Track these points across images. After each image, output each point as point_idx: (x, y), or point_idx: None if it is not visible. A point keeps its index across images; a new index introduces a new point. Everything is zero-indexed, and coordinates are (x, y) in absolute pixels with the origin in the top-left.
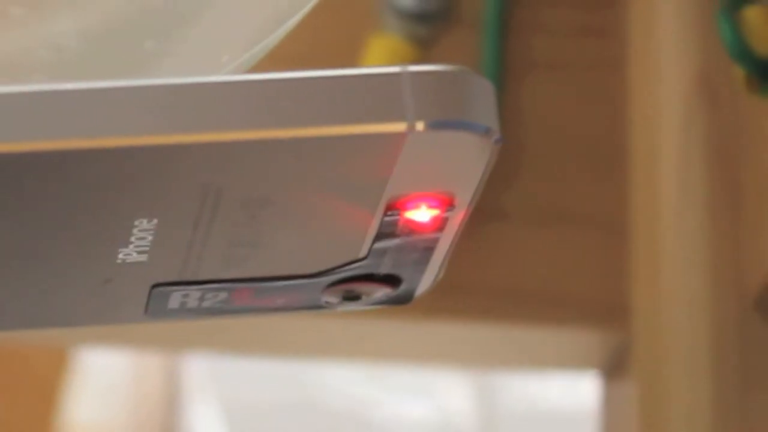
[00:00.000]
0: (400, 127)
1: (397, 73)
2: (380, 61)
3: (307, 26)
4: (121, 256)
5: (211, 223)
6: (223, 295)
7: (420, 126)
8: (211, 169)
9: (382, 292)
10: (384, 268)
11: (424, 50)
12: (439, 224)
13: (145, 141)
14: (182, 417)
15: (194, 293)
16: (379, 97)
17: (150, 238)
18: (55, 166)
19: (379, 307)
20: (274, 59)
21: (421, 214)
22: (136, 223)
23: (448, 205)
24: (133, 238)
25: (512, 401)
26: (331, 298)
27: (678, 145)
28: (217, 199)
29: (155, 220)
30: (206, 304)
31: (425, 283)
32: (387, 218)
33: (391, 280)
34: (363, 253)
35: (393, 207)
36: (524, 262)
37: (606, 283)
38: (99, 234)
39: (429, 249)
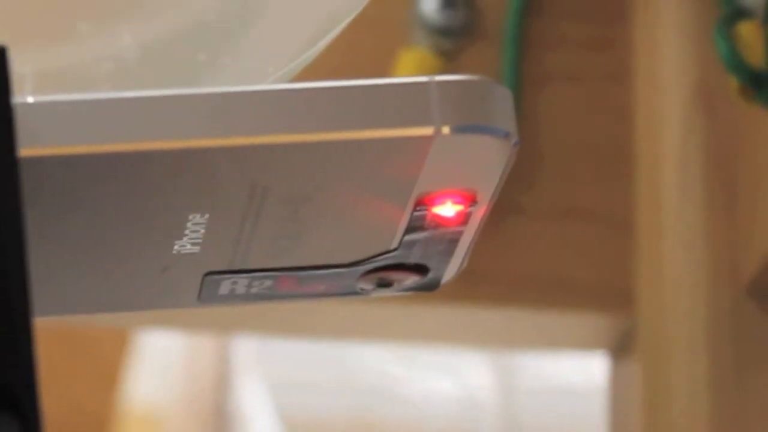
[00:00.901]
0: (427, 131)
1: (425, 82)
2: (409, 71)
3: (343, 40)
4: (176, 247)
5: (257, 217)
6: (268, 283)
7: (446, 130)
8: (259, 169)
9: (412, 279)
10: (413, 258)
11: (449, 62)
12: (463, 219)
13: (199, 143)
14: (232, 393)
15: (242, 281)
16: (408, 104)
17: (202, 231)
18: (121, 166)
19: (408, 293)
20: (313, 70)
21: (447, 209)
22: (190, 217)
23: (471, 201)
24: (187, 231)
25: (529, 378)
26: (366, 285)
27: (678, 149)
28: (263, 196)
29: (207, 215)
30: (253, 290)
31: (450, 271)
32: (416, 213)
33: (420, 269)
34: (394, 244)
35: (421, 203)
36: (539, 253)
37: (613, 272)
38: (157, 227)
39: (454, 241)
